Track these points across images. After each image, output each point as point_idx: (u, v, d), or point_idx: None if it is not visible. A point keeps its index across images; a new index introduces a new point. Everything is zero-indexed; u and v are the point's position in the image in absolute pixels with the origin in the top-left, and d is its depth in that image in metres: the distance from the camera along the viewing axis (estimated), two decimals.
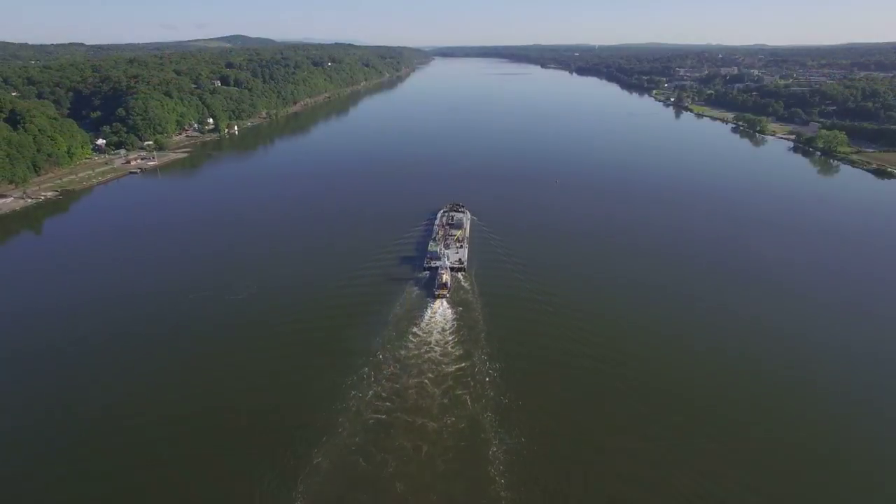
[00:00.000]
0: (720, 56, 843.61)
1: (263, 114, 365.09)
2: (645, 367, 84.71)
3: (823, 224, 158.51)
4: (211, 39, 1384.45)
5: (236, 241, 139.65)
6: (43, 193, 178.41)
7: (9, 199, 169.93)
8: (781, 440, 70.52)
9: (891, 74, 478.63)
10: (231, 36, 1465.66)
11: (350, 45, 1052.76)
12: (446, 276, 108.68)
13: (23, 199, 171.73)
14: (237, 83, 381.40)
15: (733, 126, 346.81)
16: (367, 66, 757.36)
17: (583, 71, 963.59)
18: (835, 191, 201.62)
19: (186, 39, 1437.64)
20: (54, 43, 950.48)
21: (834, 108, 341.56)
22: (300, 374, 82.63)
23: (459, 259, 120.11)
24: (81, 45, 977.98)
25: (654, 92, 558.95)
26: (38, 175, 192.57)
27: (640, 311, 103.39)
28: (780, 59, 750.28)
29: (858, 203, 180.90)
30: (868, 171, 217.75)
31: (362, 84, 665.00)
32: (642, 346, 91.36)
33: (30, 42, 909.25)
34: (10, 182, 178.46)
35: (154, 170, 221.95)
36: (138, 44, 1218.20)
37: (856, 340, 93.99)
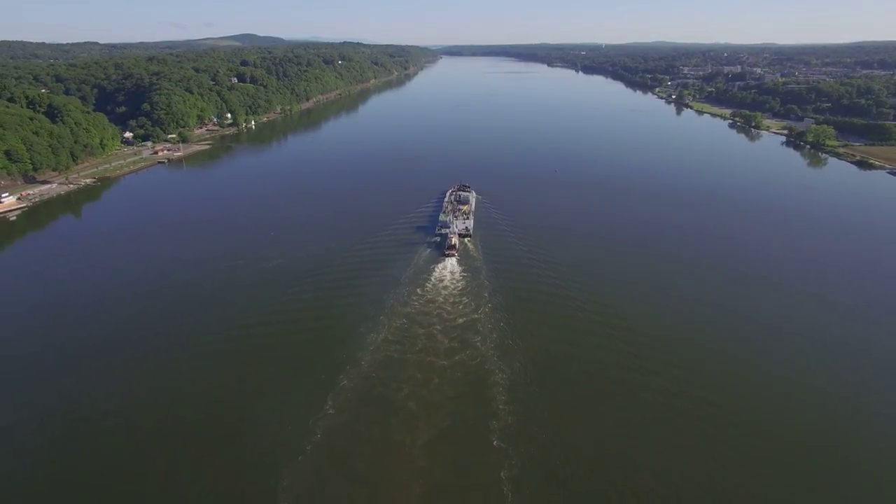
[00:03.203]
0: (725, 55, 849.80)
1: (278, 110, 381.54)
2: (634, 317, 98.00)
3: (814, 213, 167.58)
4: (222, 38, 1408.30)
5: (262, 221, 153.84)
6: (83, 180, 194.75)
7: (53, 185, 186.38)
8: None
9: (891, 72, 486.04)
10: (241, 35, 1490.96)
11: (359, 44, 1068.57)
12: (455, 239, 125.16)
13: (65, 184, 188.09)
14: (253, 80, 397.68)
15: (730, 122, 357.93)
16: (376, 64, 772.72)
17: (588, 70, 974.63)
18: (820, 182, 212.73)
19: (196, 38, 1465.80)
20: (69, 42, 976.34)
21: (829, 104, 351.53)
22: (324, 316, 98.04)
23: (466, 227, 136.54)
24: (96, 43, 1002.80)
25: (657, 90, 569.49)
26: (76, 164, 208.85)
27: (631, 268, 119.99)
28: (784, 57, 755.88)
29: (839, 192, 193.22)
30: (852, 162, 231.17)
31: (372, 82, 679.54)
32: (630, 295, 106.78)
33: (46, 41, 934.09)
34: (54, 170, 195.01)
35: (179, 160, 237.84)
36: (150, 42, 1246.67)
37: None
